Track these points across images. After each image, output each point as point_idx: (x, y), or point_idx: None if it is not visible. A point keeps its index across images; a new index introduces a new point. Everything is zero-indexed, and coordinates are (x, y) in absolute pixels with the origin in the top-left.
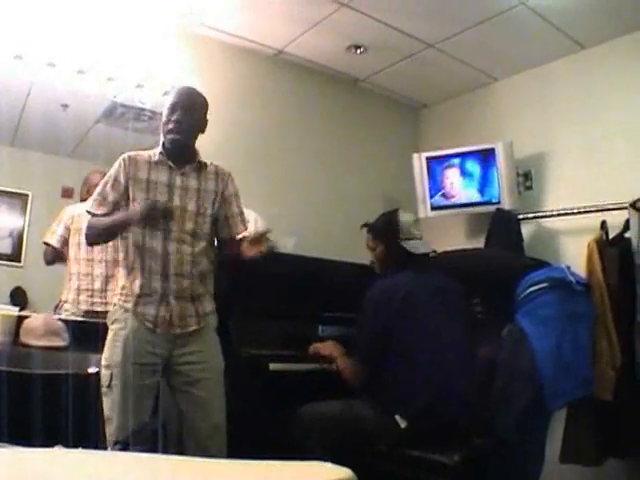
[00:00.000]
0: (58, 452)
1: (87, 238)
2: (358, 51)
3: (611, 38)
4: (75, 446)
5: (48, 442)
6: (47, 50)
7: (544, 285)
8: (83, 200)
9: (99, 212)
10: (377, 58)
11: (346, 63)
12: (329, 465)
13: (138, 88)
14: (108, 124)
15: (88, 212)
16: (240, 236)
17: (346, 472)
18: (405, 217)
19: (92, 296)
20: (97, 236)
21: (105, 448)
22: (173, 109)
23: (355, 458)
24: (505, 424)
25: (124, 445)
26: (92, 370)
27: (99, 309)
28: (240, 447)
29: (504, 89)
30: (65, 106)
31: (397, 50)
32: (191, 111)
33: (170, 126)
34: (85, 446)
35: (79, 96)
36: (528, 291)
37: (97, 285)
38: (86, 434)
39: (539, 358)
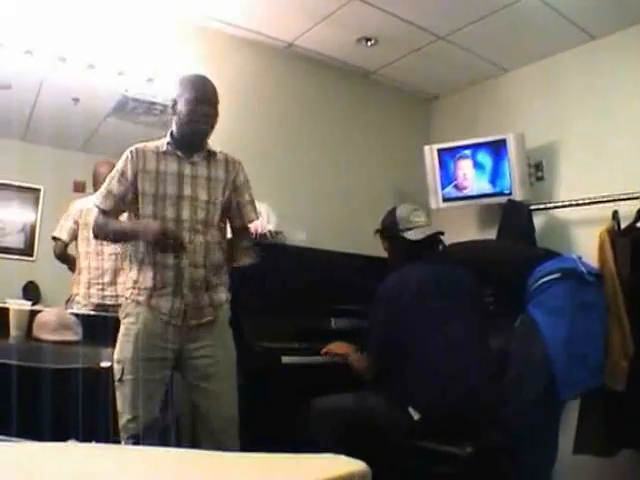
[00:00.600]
0: (71, 446)
1: (94, 234)
2: (369, 43)
3: (621, 29)
4: (88, 439)
5: (61, 436)
6: (58, 45)
7: (556, 276)
8: (96, 191)
9: (106, 207)
10: (388, 50)
11: (357, 56)
12: (343, 458)
13: (149, 82)
14: (119, 118)
15: (95, 206)
16: (252, 225)
17: (360, 465)
18: (403, 209)
19: (103, 289)
20: (104, 237)
21: (118, 441)
22: (198, 101)
23: (368, 450)
24: (517, 415)
25: (136, 439)
26: (104, 364)
27: (110, 302)
28: (253, 440)
29: (514, 80)
30: (76, 100)
31: (408, 42)
32: (215, 105)
33: (196, 118)
34: (98, 439)
35: (90, 90)
36: (540, 282)
37: (107, 278)
38: (99, 427)
39: (551, 348)
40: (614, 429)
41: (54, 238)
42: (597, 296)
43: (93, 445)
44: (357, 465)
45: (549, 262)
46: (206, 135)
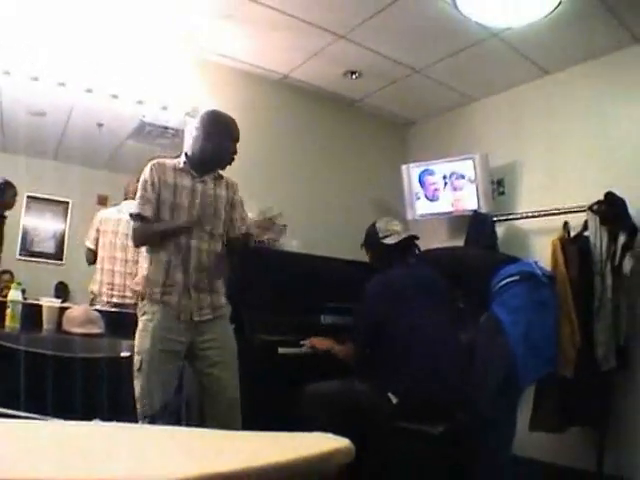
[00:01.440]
0: (96, 425)
1: (135, 242)
2: (353, 76)
3: (572, 65)
4: (110, 419)
5: (87, 415)
6: (86, 77)
7: (515, 278)
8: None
9: (148, 213)
10: (370, 82)
11: (343, 86)
12: (330, 436)
13: (163, 110)
14: (137, 140)
15: (138, 215)
16: (241, 232)
17: (344, 442)
18: (381, 222)
19: (112, 289)
20: (146, 242)
21: (136, 421)
22: (231, 137)
23: (354, 430)
24: (482, 399)
25: (152, 419)
26: (124, 354)
27: (117, 301)
28: (253, 421)
29: (481, 108)
30: (100, 125)
31: (387, 75)
32: (237, 142)
33: (224, 154)
34: (119, 419)
35: (113, 116)
36: (502, 283)
37: (117, 280)
38: (120, 408)
39: (511, 341)
40: (564, 410)
41: (87, 248)
42: (550, 295)
43: (115, 424)
44: (341, 442)
45: (510, 266)
46: (226, 166)
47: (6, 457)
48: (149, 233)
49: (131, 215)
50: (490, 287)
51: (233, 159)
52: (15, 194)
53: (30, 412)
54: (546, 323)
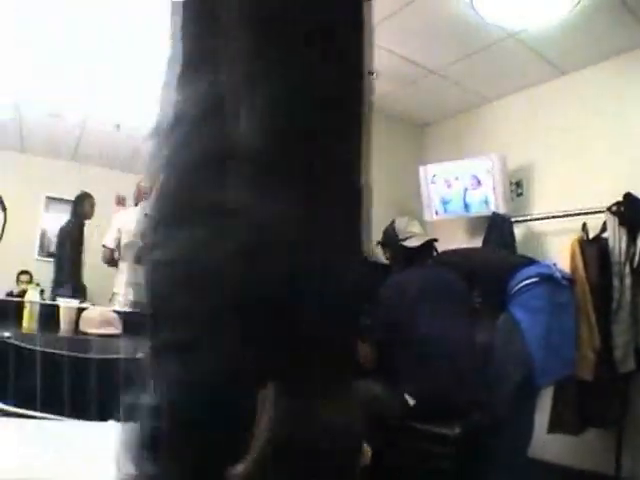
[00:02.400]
0: (110, 425)
1: None
2: (371, 77)
3: (589, 65)
4: None
5: (103, 415)
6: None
7: (534, 280)
8: (135, 205)
9: None
10: (386, 83)
11: None
12: None
13: None
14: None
15: None
16: None
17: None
18: (400, 222)
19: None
20: None
21: None
22: None
23: (370, 431)
24: (500, 401)
25: None
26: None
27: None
28: None
29: (498, 109)
30: (118, 126)
31: (404, 76)
32: None
33: None
34: None
35: (129, 117)
36: (520, 285)
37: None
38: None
39: (530, 342)
40: (582, 412)
41: (103, 246)
42: (569, 297)
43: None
44: None
45: (529, 268)
46: None
47: (20, 456)
48: None
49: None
50: (508, 289)
51: None
52: (93, 204)
53: (46, 412)
54: (565, 325)
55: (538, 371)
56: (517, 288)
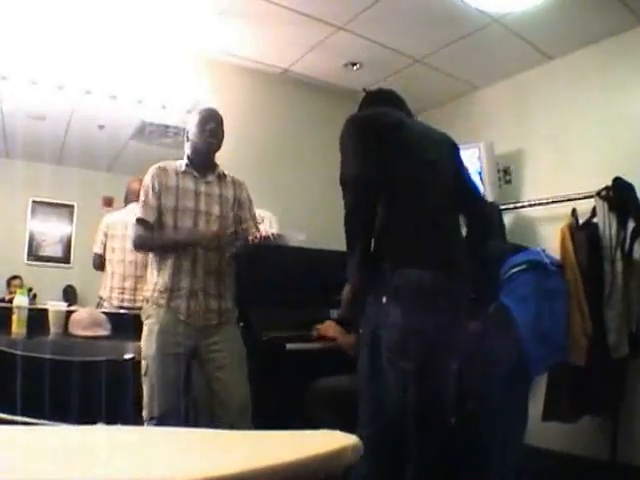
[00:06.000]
0: (100, 428)
1: (136, 246)
2: (354, 68)
3: (576, 49)
4: (114, 422)
5: (91, 419)
6: (84, 79)
7: (523, 267)
8: (125, 206)
9: (150, 218)
10: (371, 73)
11: (344, 79)
12: (337, 433)
13: (163, 108)
14: (140, 141)
15: (141, 220)
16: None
17: (352, 439)
18: None
19: (123, 293)
20: (149, 249)
21: (140, 423)
22: (206, 121)
23: None
24: (493, 388)
25: (158, 421)
26: (127, 356)
27: (128, 305)
28: (262, 420)
29: (485, 96)
30: (102, 127)
31: (388, 65)
32: (220, 124)
33: (206, 134)
34: (123, 422)
35: (114, 118)
36: (510, 272)
37: (127, 284)
38: (124, 412)
39: (521, 331)
40: (577, 399)
41: (95, 253)
42: (559, 283)
43: (118, 427)
44: (350, 439)
45: (517, 255)
46: (214, 148)
47: (9, 462)
48: (149, 244)
49: (140, 220)
50: (499, 277)
51: (216, 139)
52: None
53: (34, 417)
54: (556, 311)
55: (530, 359)
56: (507, 276)
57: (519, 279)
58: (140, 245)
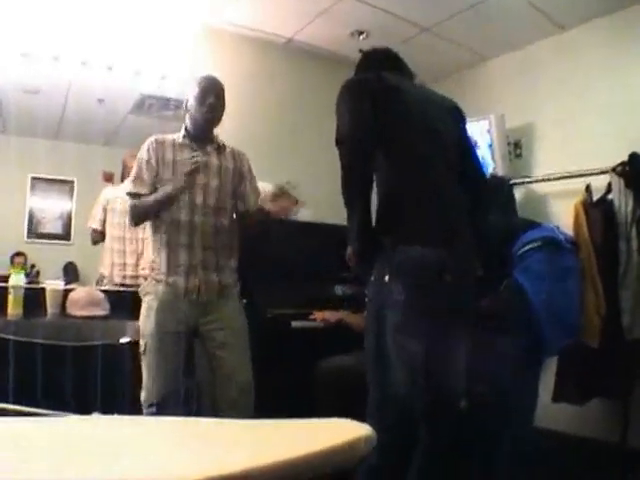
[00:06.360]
0: (94, 419)
1: (132, 220)
2: (361, 37)
3: (589, 20)
4: (110, 409)
5: (86, 406)
6: (79, 50)
7: (537, 244)
8: (122, 181)
9: (142, 192)
10: (378, 42)
11: (350, 48)
12: (349, 422)
13: (163, 80)
14: (139, 114)
15: (130, 194)
16: (255, 209)
17: (366, 429)
18: None
19: (124, 270)
20: (142, 218)
21: (139, 411)
22: (206, 94)
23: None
24: (504, 370)
25: (157, 407)
26: (124, 340)
27: (130, 282)
28: (266, 401)
29: (495, 67)
30: (101, 101)
31: (396, 34)
32: (220, 97)
33: (205, 108)
34: (119, 409)
35: (112, 91)
36: (523, 250)
37: (129, 260)
38: (120, 397)
39: (535, 309)
40: (587, 381)
41: (90, 228)
42: (574, 261)
43: (115, 417)
44: (364, 429)
45: (531, 231)
46: (213, 122)
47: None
48: (141, 208)
49: (128, 194)
50: (511, 254)
51: (215, 113)
52: None
53: (26, 405)
54: (569, 290)
55: (543, 339)
56: (520, 253)
57: (533, 256)
58: (131, 217)
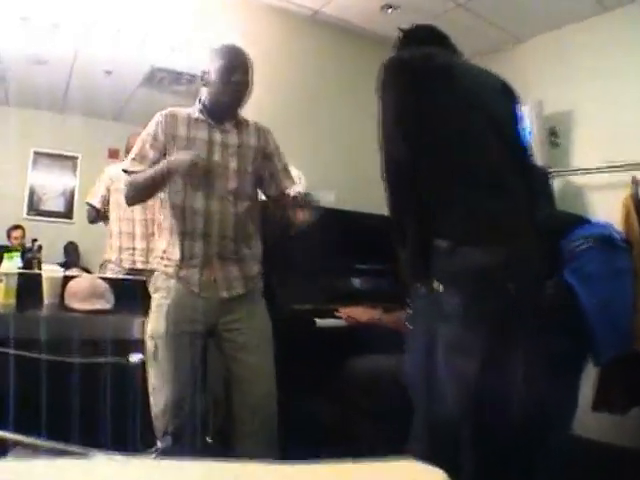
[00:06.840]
0: (98, 463)
1: (127, 199)
2: (390, 11)
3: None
4: (122, 443)
5: (93, 440)
6: (84, 17)
7: (590, 242)
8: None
9: (138, 169)
10: (409, 17)
11: (379, 23)
12: (419, 464)
13: (175, 52)
14: (149, 88)
15: (125, 171)
16: (289, 191)
17: (438, 473)
18: None
19: (134, 254)
20: (138, 198)
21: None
22: (233, 70)
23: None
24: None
25: (173, 437)
26: (134, 359)
27: (141, 267)
28: (288, 409)
29: (530, 48)
30: (109, 73)
31: (428, 9)
32: (248, 73)
33: (232, 86)
34: (131, 440)
35: (120, 62)
36: (574, 248)
37: (138, 244)
38: (132, 426)
39: (587, 315)
40: (630, 390)
41: (87, 204)
42: (628, 262)
43: (123, 461)
44: (436, 474)
45: (582, 228)
46: (240, 104)
47: None
48: (135, 184)
49: (124, 171)
50: (560, 251)
51: (244, 93)
52: None
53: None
54: (624, 294)
55: (598, 346)
56: (570, 251)
57: (586, 256)
58: (125, 196)
